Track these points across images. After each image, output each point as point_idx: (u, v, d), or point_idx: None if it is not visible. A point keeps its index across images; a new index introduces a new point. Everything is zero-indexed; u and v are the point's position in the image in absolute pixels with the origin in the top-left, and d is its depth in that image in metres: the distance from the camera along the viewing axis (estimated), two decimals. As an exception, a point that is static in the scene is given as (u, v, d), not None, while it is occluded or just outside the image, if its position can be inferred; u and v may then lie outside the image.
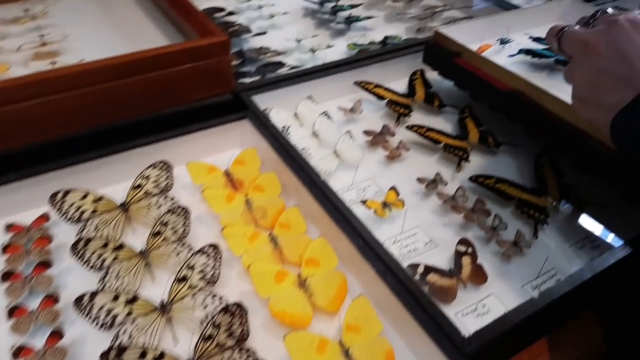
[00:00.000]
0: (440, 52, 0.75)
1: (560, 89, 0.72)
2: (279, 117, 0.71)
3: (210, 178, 0.62)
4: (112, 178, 0.61)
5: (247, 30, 0.95)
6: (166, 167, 0.61)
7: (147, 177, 0.60)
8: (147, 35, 0.81)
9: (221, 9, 1.02)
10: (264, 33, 0.94)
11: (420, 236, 0.57)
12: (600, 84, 0.43)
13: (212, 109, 0.69)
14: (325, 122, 0.71)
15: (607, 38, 0.43)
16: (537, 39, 0.81)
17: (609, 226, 0.59)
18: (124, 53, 0.62)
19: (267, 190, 0.60)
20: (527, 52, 0.76)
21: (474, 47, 0.77)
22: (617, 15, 0.44)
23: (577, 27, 0.48)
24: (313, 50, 0.90)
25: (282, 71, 0.84)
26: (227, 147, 0.68)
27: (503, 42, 0.80)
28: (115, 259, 0.52)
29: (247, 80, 0.80)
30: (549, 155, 0.66)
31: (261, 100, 0.72)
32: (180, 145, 0.65)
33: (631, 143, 0.40)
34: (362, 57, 0.82)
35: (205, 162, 0.64)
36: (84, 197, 0.57)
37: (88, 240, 0.52)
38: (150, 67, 0.63)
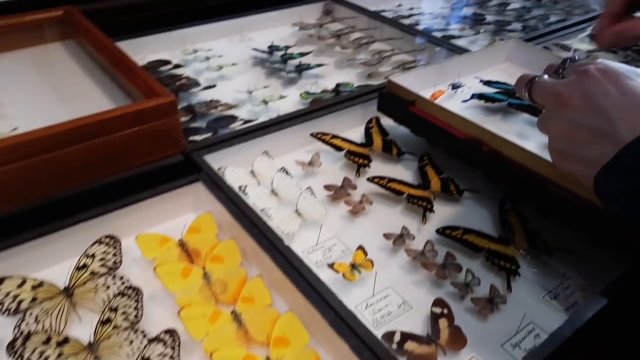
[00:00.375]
0: (394, 101, 0.75)
1: (517, 134, 0.73)
2: (234, 177, 0.68)
3: (163, 251, 0.57)
4: (53, 259, 0.56)
5: (195, 83, 0.92)
6: (113, 242, 0.56)
7: (93, 256, 0.55)
8: (89, 98, 0.76)
9: (167, 62, 0.99)
10: (213, 86, 0.92)
11: (393, 298, 0.54)
12: (578, 137, 0.42)
13: (162, 173, 0.65)
14: (284, 178, 0.69)
15: (580, 90, 0.42)
16: (487, 82, 0.82)
17: (579, 272, 0.58)
18: (63, 120, 0.58)
19: (226, 260, 0.56)
20: (480, 96, 0.76)
21: (427, 94, 0.77)
22: (587, 64, 0.44)
23: (546, 77, 0.47)
24: (265, 102, 0.88)
25: (235, 126, 0.81)
26: (179, 213, 0.64)
27: (455, 87, 0.81)
28: (60, 355, 0.46)
29: (198, 137, 0.76)
30: (512, 201, 0.66)
31: (214, 159, 0.69)
32: (128, 216, 0.60)
33: (618, 201, 0.39)
34: (316, 108, 0.80)
35: (157, 232, 0.59)
36: (22, 284, 0.51)
37: (27, 336, 0.46)
38: (92, 134, 0.59)
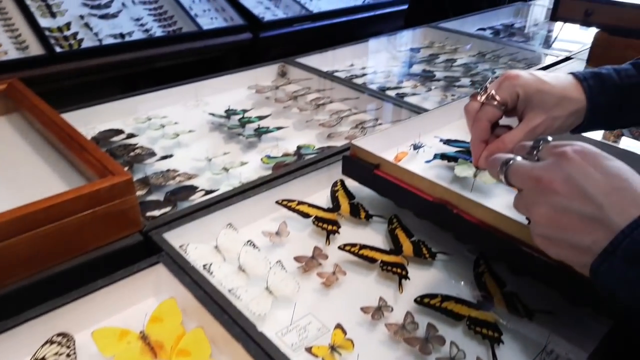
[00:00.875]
0: (358, 165, 0.74)
1: (484, 195, 0.73)
2: (198, 254, 0.64)
3: (123, 346, 0.52)
4: (-5, 367, 0.49)
5: (150, 153, 0.89)
6: (66, 340, 0.50)
7: (43, 359, 0.49)
8: (37, 178, 0.71)
9: (119, 131, 0.95)
10: (170, 155, 0.88)
11: (377, 379, 0.51)
12: (566, 224, 0.41)
13: (118, 256, 0.60)
14: (251, 252, 0.65)
15: (562, 174, 0.41)
16: (447, 141, 0.83)
17: (562, 335, 0.57)
18: (8, 208, 0.53)
19: (194, 353, 0.51)
20: (442, 156, 0.77)
21: (390, 155, 0.77)
22: (563, 146, 0.43)
23: (520, 159, 0.46)
24: (226, 169, 0.85)
25: (195, 197, 0.77)
26: (139, 300, 0.59)
27: (416, 147, 0.81)
28: None
29: (157, 212, 0.72)
30: (486, 262, 0.65)
31: (175, 237, 0.65)
32: (82, 308, 0.54)
33: (620, 291, 0.38)
34: (280, 174, 0.78)
35: (115, 324, 0.54)
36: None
37: None
38: (41, 222, 0.54)
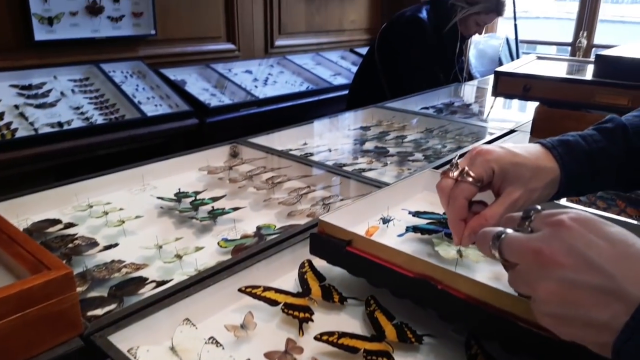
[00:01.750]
0: (328, 242, 0.68)
1: (467, 268, 0.69)
2: (150, 359, 0.54)
3: None
4: None
5: (92, 243, 0.79)
6: None
7: None
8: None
9: (56, 221, 0.85)
10: (114, 245, 0.79)
11: None
12: (578, 299, 0.37)
13: (54, 369, 0.50)
14: (214, 351, 0.56)
15: (563, 244, 0.38)
16: (416, 214, 0.79)
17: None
18: None
19: None
20: (415, 229, 0.73)
21: (361, 231, 0.72)
22: (558, 214, 0.41)
23: (511, 232, 0.43)
24: (179, 256, 0.77)
25: (145, 290, 0.68)
26: (80, 423, 0.48)
27: (385, 221, 0.77)
28: None
29: (99, 311, 0.62)
30: (478, 342, 0.59)
31: (123, 339, 0.56)
32: None
33: None
34: (241, 258, 0.71)
35: None
36: None
37: None
38: (-47, 333, 0.44)
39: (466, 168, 0.57)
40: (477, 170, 0.56)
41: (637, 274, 0.36)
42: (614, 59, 1.26)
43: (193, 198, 0.97)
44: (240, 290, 0.66)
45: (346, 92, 2.64)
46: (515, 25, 3.54)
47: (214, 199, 0.96)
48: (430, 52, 2.21)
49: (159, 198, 0.96)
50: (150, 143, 1.99)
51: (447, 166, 0.59)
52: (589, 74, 1.36)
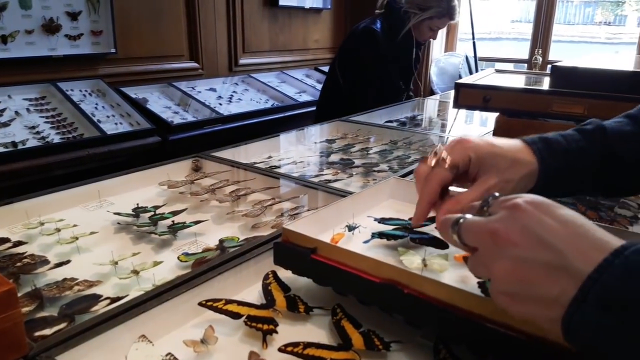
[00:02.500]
0: (292, 251, 0.66)
1: (434, 272, 0.68)
2: (102, 379, 0.50)
3: None
4: None
5: (42, 261, 0.75)
6: None
7: None
8: None
9: (5, 239, 0.81)
10: (66, 262, 0.75)
11: None
12: (530, 276, 0.38)
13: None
14: (171, 368, 0.53)
15: (517, 225, 0.40)
16: (381, 220, 0.78)
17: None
18: None
19: None
20: (380, 235, 0.72)
21: (326, 238, 0.71)
22: (514, 199, 0.42)
23: (470, 217, 0.44)
24: (136, 271, 0.73)
25: (99, 308, 0.64)
26: None
27: (351, 228, 0.76)
28: None
29: (48, 331, 0.58)
30: (446, 347, 0.58)
31: (72, 359, 0.51)
32: None
33: (597, 341, 0.34)
34: (201, 271, 0.68)
35: None
36: None
37: None
38: None
39: (444, 154, 0.57)
40: (454, 157, 0.57)
41: (585, 251, 0.37)
42: (569, 69, 1.30)
43: (152, 213, 0.93)
44: (200, 304, 0.63)
45: (312, 108, 2.65)
46: (474, 43, 3.66)
47: (174, 213, 0.93)
48: (386, 61, 2.24)
49: (115, 214, 0.92)
50: (110, 162, 1.93)
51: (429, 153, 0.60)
52: (546, 85, 1.40)
